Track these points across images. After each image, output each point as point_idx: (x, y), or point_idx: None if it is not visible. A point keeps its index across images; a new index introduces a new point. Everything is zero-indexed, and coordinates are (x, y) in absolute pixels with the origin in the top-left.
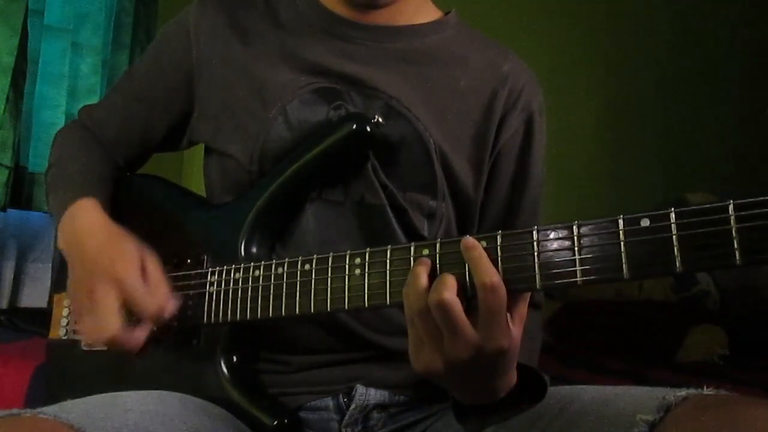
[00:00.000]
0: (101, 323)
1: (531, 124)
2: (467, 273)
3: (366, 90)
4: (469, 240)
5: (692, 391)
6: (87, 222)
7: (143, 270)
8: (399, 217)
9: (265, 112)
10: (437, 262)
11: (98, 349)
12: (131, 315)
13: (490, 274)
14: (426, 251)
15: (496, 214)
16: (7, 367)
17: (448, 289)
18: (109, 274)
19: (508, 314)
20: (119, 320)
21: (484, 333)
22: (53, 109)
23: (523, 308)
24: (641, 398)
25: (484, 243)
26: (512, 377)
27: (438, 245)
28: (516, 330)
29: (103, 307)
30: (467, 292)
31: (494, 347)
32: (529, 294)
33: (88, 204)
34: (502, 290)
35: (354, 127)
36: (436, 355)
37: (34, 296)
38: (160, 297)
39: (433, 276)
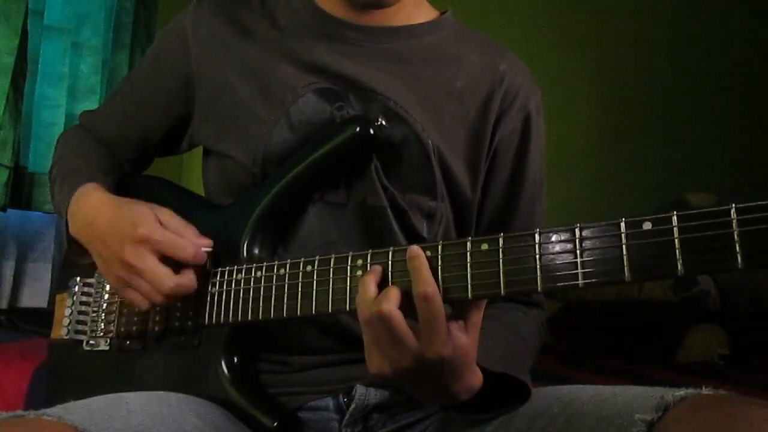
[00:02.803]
0: (153, 280)
1: (528, 123)
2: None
3: (364, 92)
4: (413, 249)
5: (690, 390)
6: (94, 201)
7: (162, 222)
8: (399, 219)
9: (267, 114)
10: (389, 270)
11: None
12: (173, 263)
13: (425, 284)
14: (428, 253)
15: (493, 213)
16: (7, 367)
17: (389, 300)
18: (134, 237)
19: (456, 323)
20: (169, 271)
21: (424, 343)
22: (53, 109)
23: (476, 317)
24: (640, 398)
25: (485, 246)
26: (471, 382)
27: (439, 247)
28: (465, 338)
29: (147, 267)
30: (412, 302)
31: (433, 355)
32: (484, 303)
33: (92, 187)
34: (438, 301)
35: (358, 129)
36: (384, 361)
37: (34, 296)
38: (191, 238)
39: (383, 285)
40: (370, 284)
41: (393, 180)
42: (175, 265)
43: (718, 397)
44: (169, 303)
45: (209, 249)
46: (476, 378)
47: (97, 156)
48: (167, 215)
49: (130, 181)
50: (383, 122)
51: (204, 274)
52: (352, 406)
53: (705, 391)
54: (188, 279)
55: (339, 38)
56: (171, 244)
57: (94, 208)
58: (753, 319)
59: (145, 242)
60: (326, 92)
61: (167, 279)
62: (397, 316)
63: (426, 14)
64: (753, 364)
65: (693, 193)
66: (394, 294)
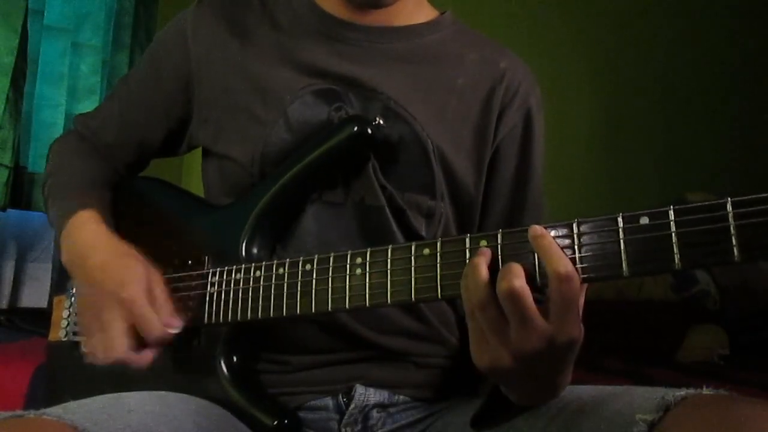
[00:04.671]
0: (109, 344)
1: (529, 119)
2: (536, 263)
3: (364, 91)
4: (536, 228)
5: (691, 390)
6: (89, 237)
7: (149, 291)
8: (398, 218)
9: (265, 115)
10: (499, 253)
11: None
12: (138, 336)
13: (564, 262)
14: (427, 251)
15: (500, 210)
16: (7, 367)
17: (518, 276)
18: (117, 296)
19: None
20: (126, 342)
21: (557, 323)
22: (53, 109)
23: (582, 299)
24: (640, 398)
25: (485, 242)
26: (570, 375)
27: (439, 244)
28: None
29: (112, 330)
30: (536, 282)
31: (566, 338)
32: (586, 286)
33: (89, 217)
34: (577, 279)
35: (355, 129)
36: (502, 350)
37: (34, 296)
38: (165, 318)
39: (493, 268)
40: (481, 265)
41: (391, 179)
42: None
43: (718, 397)
44: (111, 367)
45: (176, 331)
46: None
47: (91, 168)
48: (157, 285)
49: (129, 183)
50: (381, 122)
51: (202, 275)
52: (352, 405)
53: (705, 391)
54: (137, 359)
55: (339, 38)
56: (144, 320)
57: (88, 246)
58: (753, 319)
59: (124, 307)
60: (325, 93)
61: (121, 349)
62: (529, 293)
63: (426, 14)
64: (753, 364)
65: (693, 192)
66: (520, 269)
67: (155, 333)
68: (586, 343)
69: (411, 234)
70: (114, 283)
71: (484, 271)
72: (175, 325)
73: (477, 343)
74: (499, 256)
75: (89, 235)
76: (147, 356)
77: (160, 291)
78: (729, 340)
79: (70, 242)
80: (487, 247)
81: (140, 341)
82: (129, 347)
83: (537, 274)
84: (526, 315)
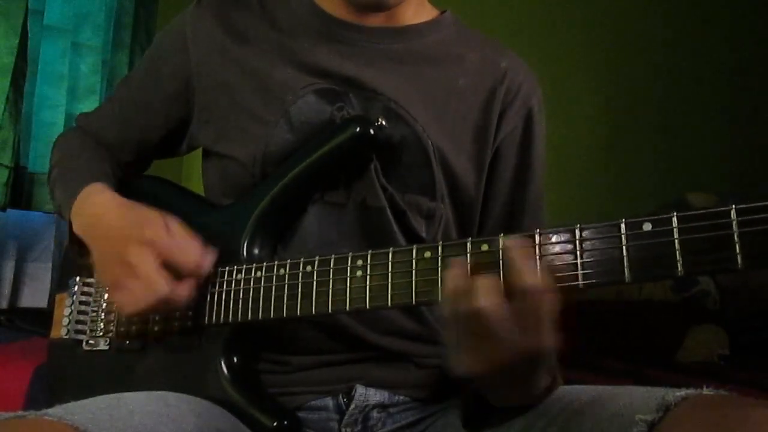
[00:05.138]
0: (148, 284)
1: (530, 120)
2: (501, 275)
3: (365, 92)
4: (509, 241)
5: (691, 391)
6: (101, 200)
7: (170, 228)
8: (398, 219)
9: (267, 115)
10: (468, 263)
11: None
12: (171, 273)
13: (532, 275)
14: (428, 253)
15: (499, 212)
16: (7, 367)
17: (486, 294)
18: (140, 237)
19: None
20: (166, 276)
21: (528, 335)
22: (53, 109)
23: (555, 305)
24: (640, 398)
25: (485, 246)
26: (550, 378)
27: (440, 248)
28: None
29: (145, 269)
30: (505, 294)
31: (538, 347)
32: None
33: (99, 186)
34: (545, 292)
35: (358, 129)
36: (476, 360)
37: (34, 296)
38: (195, 249)
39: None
40: (458, 277)
41: (392, 180)
42: (175, 275)
43: (719, 397)
44: (155, 312)
45: (212, 259)
46: (553, 375)
47: (99, 157)
48: (176, 223)
49: (130, 182)
50: (383, 122)
51: (203, 283)
52: (352, 406)
53: (706, 391)
54: (184, 288)
55: (340, 39)
56: (174, 251)
57: (101, 206)
58: (753, 319)
59: (150, 244)
60: (326, 92)
61: (163, 284)
62: (495, 311)
63: (427, 14)
64: (753, 364)
65: (693, 193)
66: (489, 286)
67: (188, 260)
68: (586, 343)
69: (411, 235)
70: (134, 227)
71: (460, 284)
72: (207, 254)
73: (453, 351)
74: (499, 252)
75: (102, 199)
76: (184, 290)
77: (179, 228)
78: (729, 340)
79: (83, 210)
80: (459, 257)
81: (176, 276)
82: (170, 281)
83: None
84: (495, 329)
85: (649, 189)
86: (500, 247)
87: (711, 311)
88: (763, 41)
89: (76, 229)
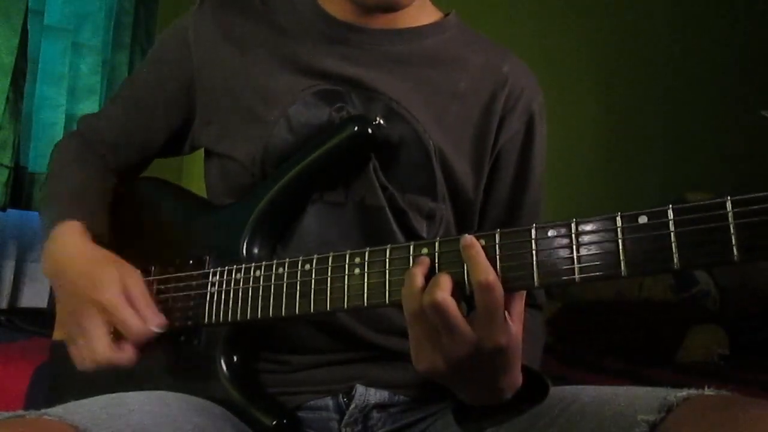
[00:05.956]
0: (92, 348)
1: (531, 125)
2: (465, 272)
3: (366, 92)
4: (467, 238)
5: (693, 391)
6: (68, 248)
7: (126, 292)
8: (399, 219)
9: (267, 115)
10: (436, 261)
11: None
12: (121, 336)
13: (486, 272)
14: (425, 250)
15: (496, 215)
16: (7, 367)
17: (442, 289)
18: (92, 299)
19: (506, 312)
20: (108, 343)
21: (482, 331)
22: (53, 109)
23: (520, 306)
24: (642, 398)
25: (482, 241)
26: (517, 377)
27: (437, 244)
28: (515, 328)
29: (91, 333)
30: (465, 291)
31: (492, 345)
32: (524, 292)
33: (68, 229)
34: (499, 289)
35: (356, 129)
36: (437, 356)
37: (34, 296)
38: (146, 316)
39: (430, 276)
40: (417, 275)
41: (392, 180)
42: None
43: (720, 397)
44: (104, 370)
45: (160, 330)
46: (519, 373)
47: (88, 176)
48: (134, 285)
49: (130, 183)
50: (381, 121)
51: (202, 274)
52: (352, 405)
53: (708, 391)
54: (122, 357)
55: (342, 41)
56: (120, 318)
57: (66, 257)
58: (753, 319)
59: (101, 307)
60: (326, 94)
61: (102, 353)
62: (453, 305)
63: (430, 16)
64: (753, 364)
65: (693, 193)
66: (446, 281)
67: (134, 330)
68: (586, 343)
69: (412, 235)
70: (89, 289)
71: (419, 281)
72: (157, 323)
73: (415, 348)
74: (437, 265)
75: (68, 246)
76: (130, 355)
77: (139, 291)
78: (729, 340)
79: (50, 256)
80: (426, 255)
81: (125, 341)
82: (111, 349)
83: (466, 284)
84: (451, 324)
85: (649, 189)
86: (461, 245)
87: (711, 311)
88: (764, 41)
89: (44, 270)
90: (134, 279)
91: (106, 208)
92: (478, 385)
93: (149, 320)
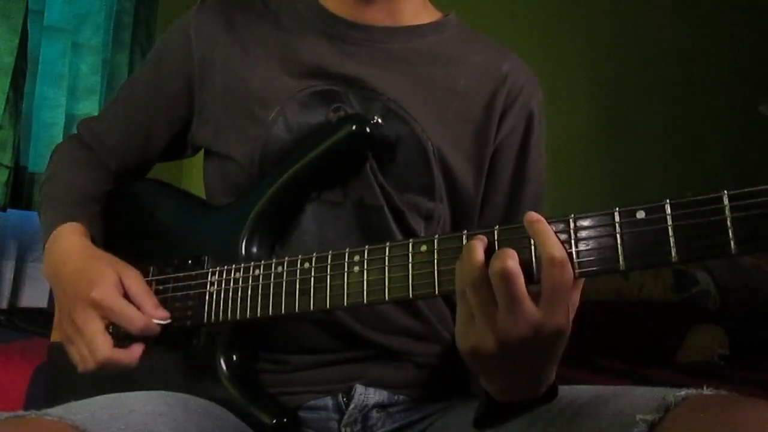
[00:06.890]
0: (91, 346)
1: (530, 122)
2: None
3: (365, 92)
4: (533, 214)
5: (692, 391)
6: (65, 248)
7: (121, 287)
8: (397, 219)
9: (265, 115)
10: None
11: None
12: (121, 333)
13: (558, 247)
14: (424, 247)
15: (495, 213)
16: (7, 367)
17: (512, 258)
18: (86, 298)
19: None
20: (108, 341)
21: (545, 310)
22: (53, 109)
23: (576, 296)
24: (641, 398)
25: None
26: (553, 372)
27: (436, 241)
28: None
29: (89, 332)
30: (532, 270)
31: (553, 327)
32: (583, 281)
33: (69, 230)
34: (570, 267)
35: (353, 128)
36: (487, 333)
37: (34, 296)
38: (147, 310)
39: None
40: (478, 246)
41: (390, 180)
42: (126, 336)
43: (720, 397)
44: (105, 372)
45: (164, 322)
46: (555, 368)
47: (86, 179)
48: (131, 280)
49: (129, 185)
50: (379, 120)
51: (201, 274)
52: (352, 405)
53: (706, 391)
54: (126, 354)
55: (342, 38)
56: (120, 314)
57: (63, 254)
58: (753, 319)
59: (97, 307)
60: (324, 94)
61: (102, 350)
62: (521, 275)
63: (430, 15)
64: (753, 364)
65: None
66: (514, 253)
67: (136, 323)
68: (586, 343)
69: (410, 235)
70: (84, 287)
71: (480, 252)
72: (159, 316)
73: (464, 324)
74: (496, 243)
75: (65, 247)
76: (135, 351)
77: (139, 287)
78: (729, 340)
79: (49, 258)
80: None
81: (126, 338)
82: (112, 345)
83: (534, 266)
84: (516, 297)
85: (648, 188)
86: (527, 220)
87: (711, 311)
88: (764, 41)
89: (44, 270)
90: (133, 276)
91: (102, 213)
92: (521, 373)
93: (151, 313)
